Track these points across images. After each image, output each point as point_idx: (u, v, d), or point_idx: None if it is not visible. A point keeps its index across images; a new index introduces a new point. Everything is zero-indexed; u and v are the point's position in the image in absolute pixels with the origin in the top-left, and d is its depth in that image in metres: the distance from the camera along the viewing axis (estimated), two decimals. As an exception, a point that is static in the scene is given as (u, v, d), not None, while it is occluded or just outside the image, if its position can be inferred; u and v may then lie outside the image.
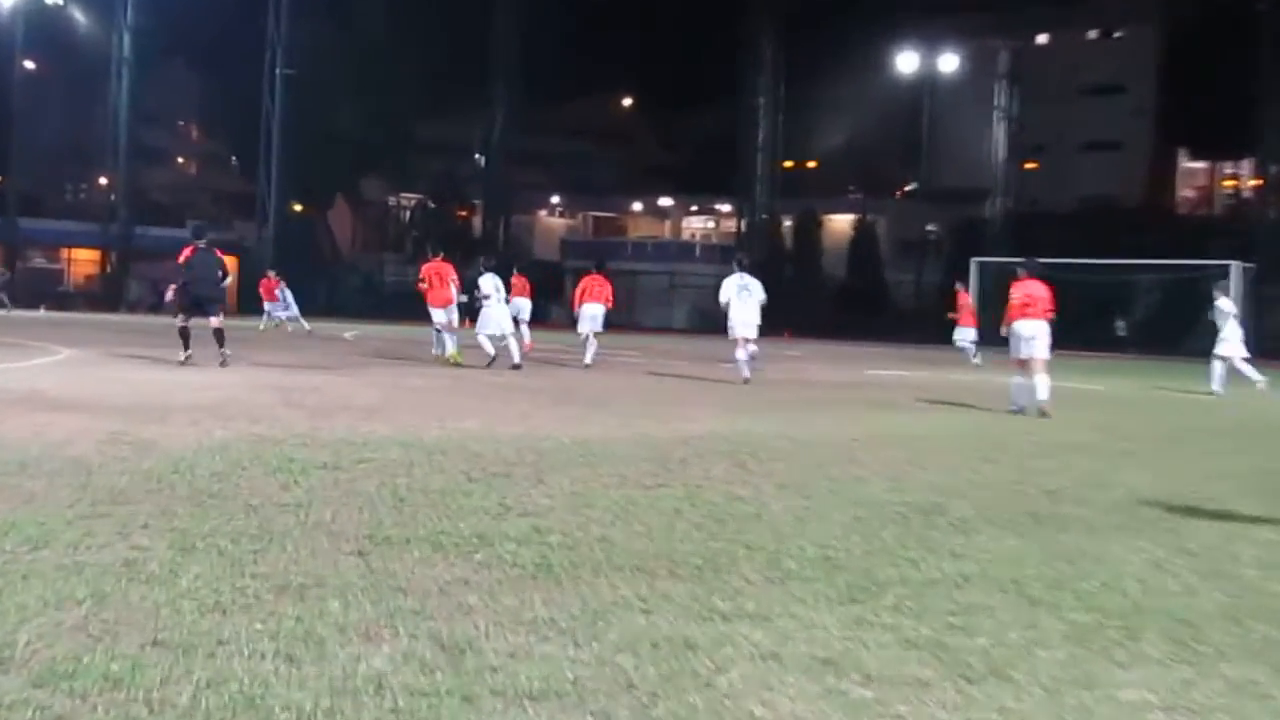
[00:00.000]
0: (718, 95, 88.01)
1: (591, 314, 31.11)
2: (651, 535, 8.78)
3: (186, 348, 24.98)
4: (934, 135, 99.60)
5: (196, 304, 25.48)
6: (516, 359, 28.00)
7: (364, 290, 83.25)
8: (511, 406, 17.92)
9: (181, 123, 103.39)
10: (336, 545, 8.04)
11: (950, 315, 40.26)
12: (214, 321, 25.42)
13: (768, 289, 27.13)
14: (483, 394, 20.11)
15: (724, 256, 77.89)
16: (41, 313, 58.41)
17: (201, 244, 25.60)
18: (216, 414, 15.12)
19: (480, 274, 29.22)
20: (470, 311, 30.09)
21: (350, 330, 49.54)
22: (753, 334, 26.70)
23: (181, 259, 25.27)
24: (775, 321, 36.07)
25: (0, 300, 58.18)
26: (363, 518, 8.96)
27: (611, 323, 33.14)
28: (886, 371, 34.69)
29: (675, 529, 9.05)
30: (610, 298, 31.73)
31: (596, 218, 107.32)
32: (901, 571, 8.02)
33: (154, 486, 9.88)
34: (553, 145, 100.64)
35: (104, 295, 74.14)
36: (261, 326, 45.45)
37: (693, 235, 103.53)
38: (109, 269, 77.53)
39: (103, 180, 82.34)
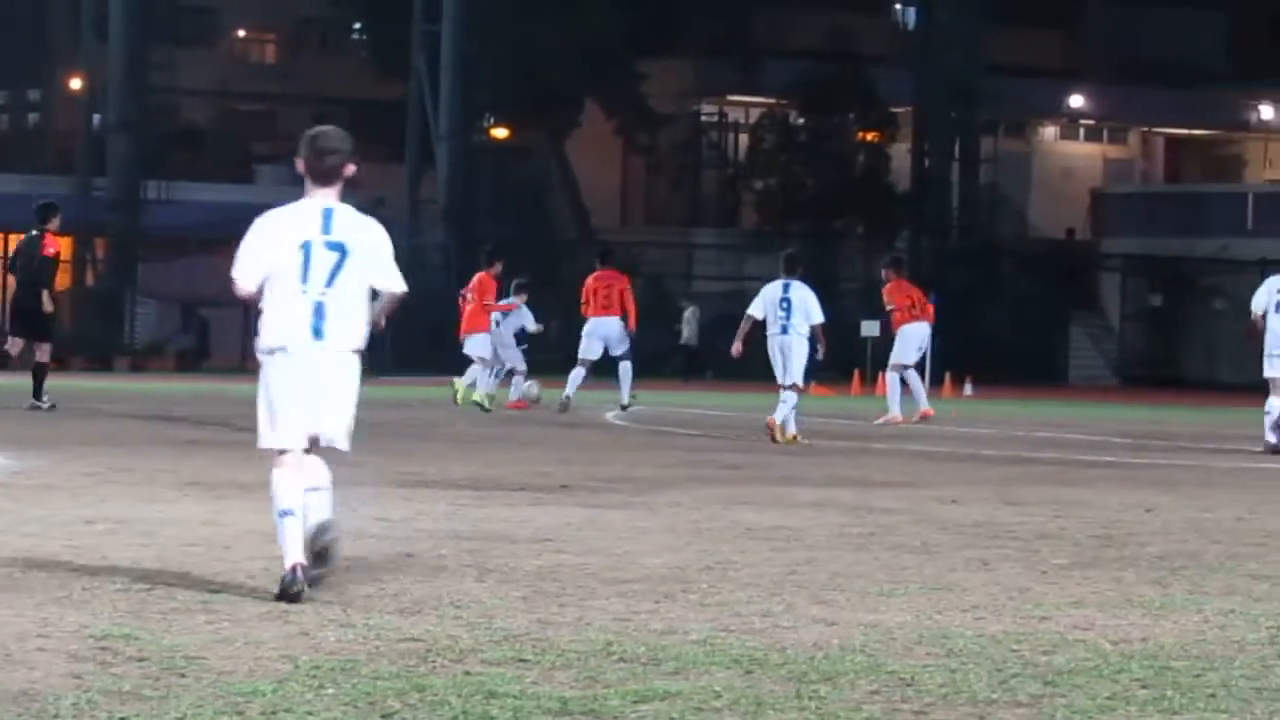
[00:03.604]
0: None
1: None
2: None
3: None
4: None
5: (19, 321, 19.75)
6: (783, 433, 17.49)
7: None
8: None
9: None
10: None
11: None
12: (38, 354, 19.42)
13: None
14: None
15: None
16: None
17: (38, 229, 19.52)
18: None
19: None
20: None
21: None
22: None
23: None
24: None
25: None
26: None
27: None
28: None
29: None
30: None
31: (1169, 139, 56.94)
32: None
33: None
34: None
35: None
36: (463, 389, 23.30)
37: None
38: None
39: (75, 82, 49.22)
